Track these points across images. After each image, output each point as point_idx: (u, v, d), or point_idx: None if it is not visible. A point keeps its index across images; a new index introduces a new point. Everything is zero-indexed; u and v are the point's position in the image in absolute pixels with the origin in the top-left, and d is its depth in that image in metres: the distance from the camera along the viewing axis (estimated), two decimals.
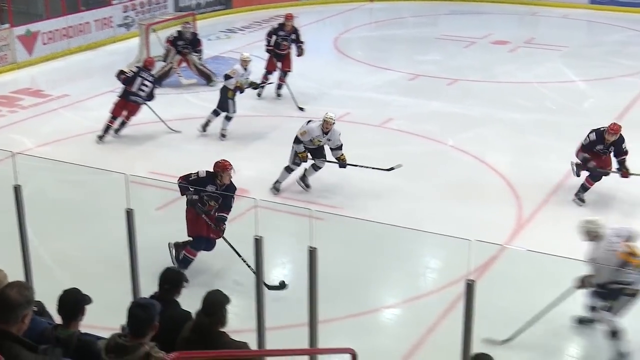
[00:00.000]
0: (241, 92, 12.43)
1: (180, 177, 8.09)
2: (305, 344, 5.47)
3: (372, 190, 10.36)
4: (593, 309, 6.90)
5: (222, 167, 8.14)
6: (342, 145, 10.18)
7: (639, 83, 15.28)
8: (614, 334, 6.71)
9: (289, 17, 14.57)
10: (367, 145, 12.05)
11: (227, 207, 8.15)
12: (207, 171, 8.20)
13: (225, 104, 12.35)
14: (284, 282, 7.82)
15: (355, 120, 13.05)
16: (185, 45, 15.29)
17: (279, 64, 14.38)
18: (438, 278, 8.48)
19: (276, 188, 10.38)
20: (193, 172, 8.21)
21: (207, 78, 15.45)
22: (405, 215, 9.47)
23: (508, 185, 10.47)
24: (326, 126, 10.00)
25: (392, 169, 10.25)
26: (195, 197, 7.97)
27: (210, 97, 14.57)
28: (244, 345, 4.97)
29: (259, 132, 12.08)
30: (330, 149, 10.25)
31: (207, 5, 21.71)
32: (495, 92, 15.04)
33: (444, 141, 12.28)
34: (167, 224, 9.33)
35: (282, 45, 14.36)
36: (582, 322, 7.17)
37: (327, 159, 10.34)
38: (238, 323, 5.40)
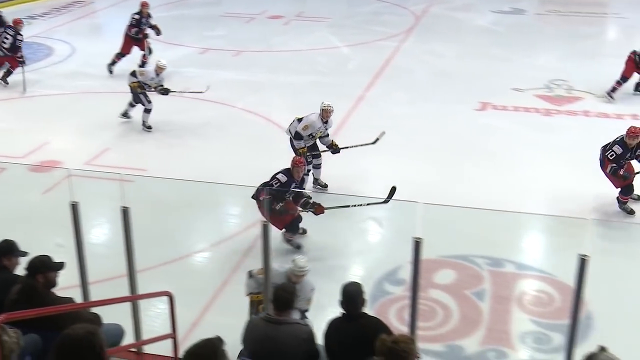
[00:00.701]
0: (141, 92, 11.08)
1: (264, 194, 7.33)
2: (126, 293, 5.34)
3: (179, 151, 10.18)
4: None
5: (293, 164, 7.68)
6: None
7: (390, 45, 15.97)
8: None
9: (144, 4, 14.01)
10: (173, 112, 11.81)
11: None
12: (283, 174, 7.61)
13: (137, 98, 11.17)
14: (394, 187, 7.63)
15: None
16: None
17: (135, 47, 13.94)
18: (239, 222, 8.51)
19: (320, 184, 9.19)
20: (273, 181, 7.54)
21: None
22: (209, 171, 9.41)
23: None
24: (326, 115, 8.87)
25: (377, 140, 9.19)
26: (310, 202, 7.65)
27: (10, 79, 13.60)
28: (69, 300, 4.79)
29: (73, 109, 11.45)
30: (320, 137, 9.11)
31: None
32: (275, 60, 15.16)
33: (234, 104, 12.25)
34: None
35: (142, 31, 13.90)
36: None
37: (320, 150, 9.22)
38: (63, 281, 5.14)
